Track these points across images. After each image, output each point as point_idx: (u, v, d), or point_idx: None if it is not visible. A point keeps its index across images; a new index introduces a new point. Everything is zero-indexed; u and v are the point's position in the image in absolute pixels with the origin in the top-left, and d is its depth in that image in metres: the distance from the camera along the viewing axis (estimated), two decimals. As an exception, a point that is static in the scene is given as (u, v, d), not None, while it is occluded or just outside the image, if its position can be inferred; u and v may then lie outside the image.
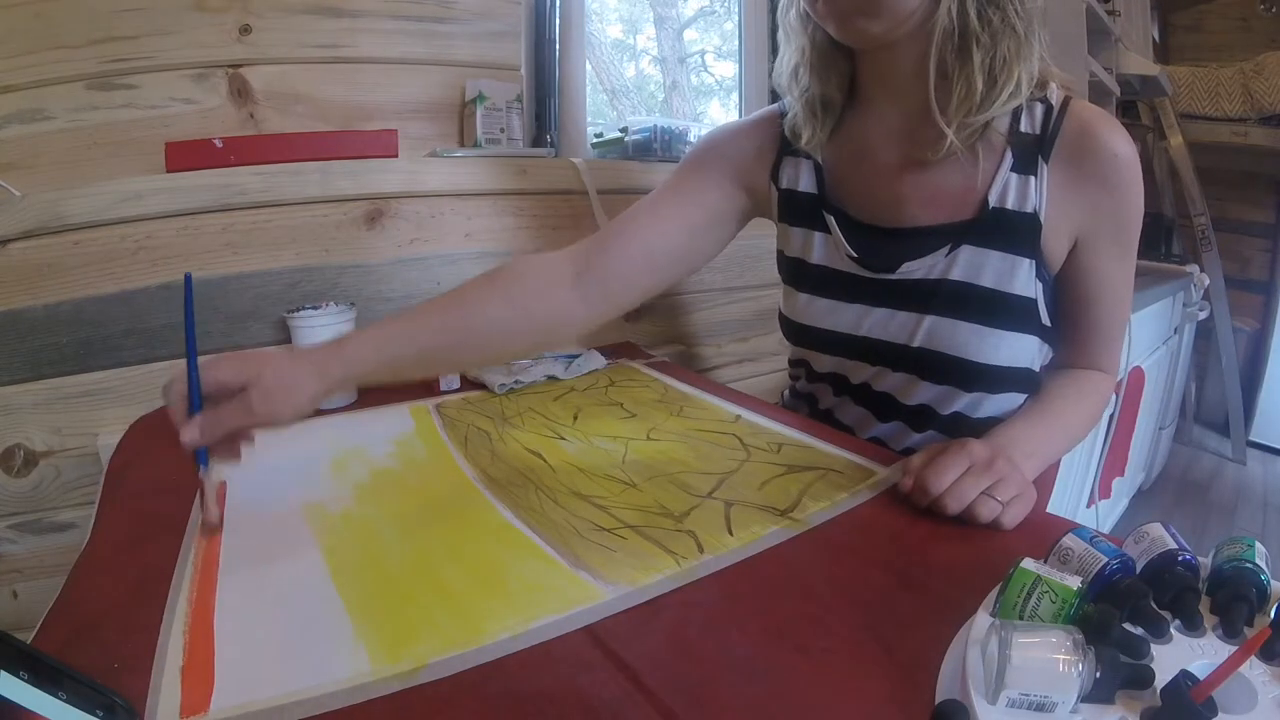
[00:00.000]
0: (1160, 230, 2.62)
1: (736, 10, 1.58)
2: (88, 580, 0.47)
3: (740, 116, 1.58)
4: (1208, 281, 2.41)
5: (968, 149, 0.62)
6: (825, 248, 0.73)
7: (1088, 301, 0.67)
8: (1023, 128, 0.63)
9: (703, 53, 1.82)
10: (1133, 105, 2.57)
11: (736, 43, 1.58)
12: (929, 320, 0.67)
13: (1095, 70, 1.79)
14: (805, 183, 0.74)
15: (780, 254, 0.79)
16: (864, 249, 0.70)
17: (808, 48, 0.68)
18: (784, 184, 0.76)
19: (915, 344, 0.68)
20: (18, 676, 0.27)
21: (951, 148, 0.61)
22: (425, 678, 0.37)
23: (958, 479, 0.52)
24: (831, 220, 0.72)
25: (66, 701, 0.28)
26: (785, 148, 0.75)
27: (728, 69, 1.72)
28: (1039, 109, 0.63)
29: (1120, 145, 0.61)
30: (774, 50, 1.54)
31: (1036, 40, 0.60)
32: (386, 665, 0.38)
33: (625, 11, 1.77)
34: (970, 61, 0.59)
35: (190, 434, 0.49)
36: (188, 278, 0.56)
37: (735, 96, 1.62)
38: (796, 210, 0.75)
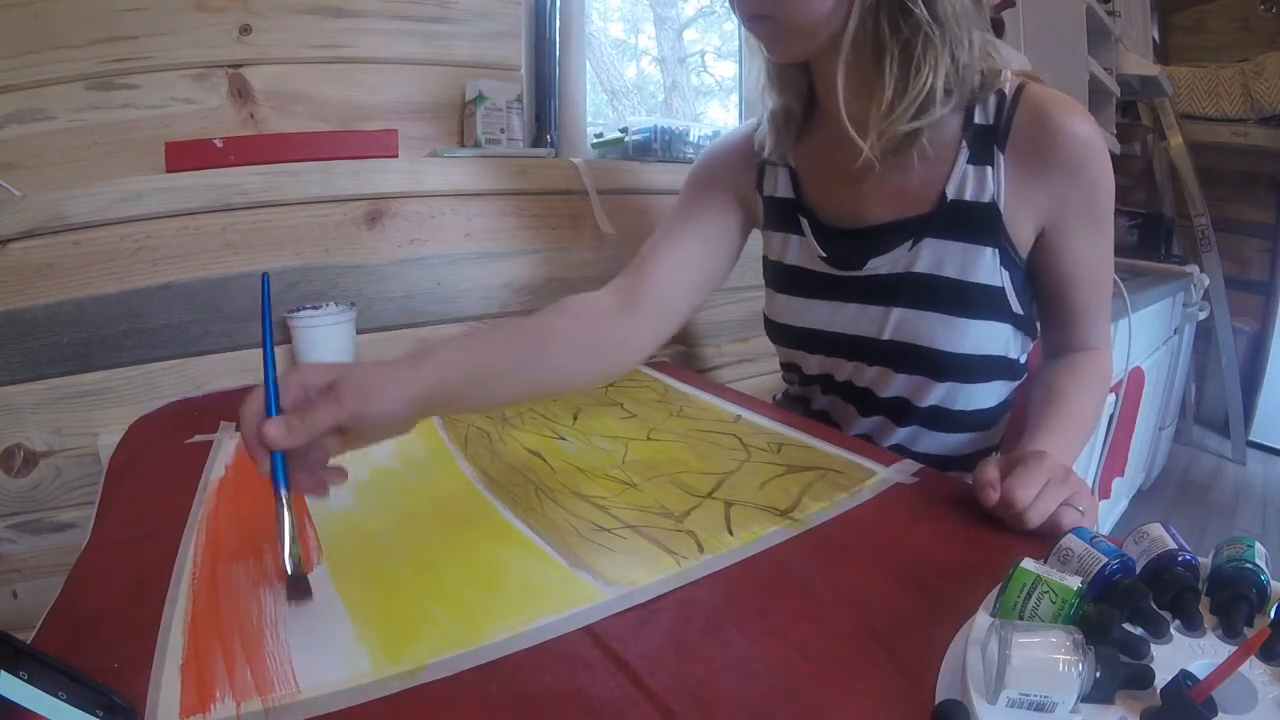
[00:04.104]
0: (1160, 230, 2.62)
1: (736, 10, 1.58)
2: (88, 580, 0.47)
3: (740, 117, 1.59)
4: (1208, 282, 2.41)
5: (886, 154, 0.62)
6: (800, 250, 0.76)
7: (1068, 284, 0.67)
8: (977, 120, 0.63)
9: (703, 53, 1.82)
10: (1133, 105, 2.57)
11: (736, 43, 1.58)
12: (896, 313, 0.68)
13: (1095, 70, 1.79)
14: (782, 188, 0.77)
15: (765, 258, 0.82)
16: (833, 249, 0.72)
17: (767, 65, 0.70)
18: (766, 191, 0.79)
19: (885, 336, 0.69)
20: (18, 676, 0.27)
21: (864, 155, 0.61)
22: (425, 678, 0.37)
23: (1039, 491, 0.50)
24: (805, 223, 0.75)
25: (66, 701, 0.28)
26: (766, 158, 0.78)
27: (728, 69, 1.72)
28: (992, 100, 0.63)
29: (1078, 125, 0.60)
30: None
31: (963, 44, 0.58)
32: (386, 665, 0.37)
33: (625, 11, 1.77)
34: (882, 74, 0.59)
35: (275, 430, 0.41)
36: (265, 279, 0.50)
37: (735, 97, 1.62)
38: (776, 215, 0.78)
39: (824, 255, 0.73)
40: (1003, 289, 0.65)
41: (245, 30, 0.90)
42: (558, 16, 1.15)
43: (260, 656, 0.38)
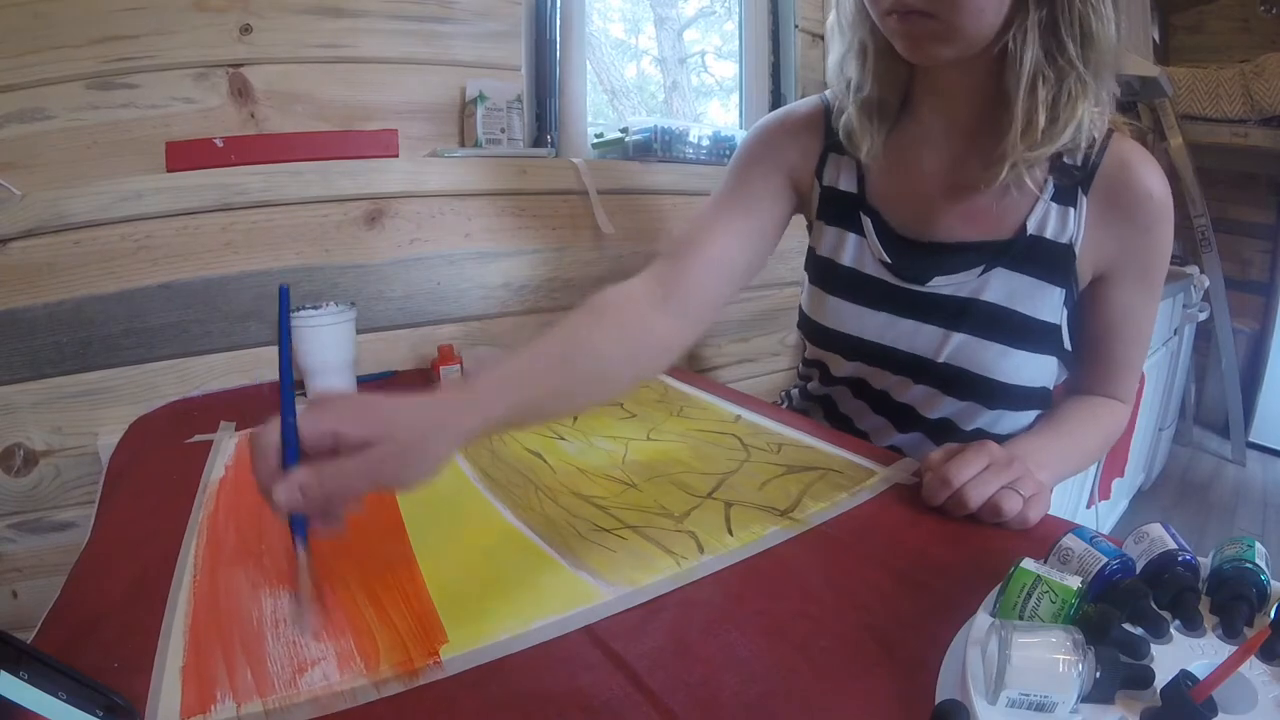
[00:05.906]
0: (1160, 231, 2.61)
1: (736, 10, 1.58)
2: (88, 580, 0.47)
3: (740, 117, 1.59)
4: (1208, 283, 2.41)
5: (1015, 179, 0.61)
6: (857, 250, 0.72)
7: (1108, 333, 0.67)
8: (1065, 159, 0.63)
9: (703, 53, 1.82)
10: (1133, 106, 2.57)
11: (736, 43, 1.58)
12: (958, 337, 0.67)
13: (1095, 71, 1.79)
14: (845, 181, 0.73)
15: (810, 251, 0.78)
16: (897, 256, 0.70)
17: (870, 47, 0.65)
18: (826, 180, 0.74)
19: (941, 359, 0.68)
20: (18, 676, 0.27)
21: (1003, 178, 0.60)
22: (425, 678, 0.37)
23: (979, 473, 0.51)
24: (867, 222, 0.71)
25: (66, 701, 0.28)
26: (830, 144, 0.73)
27: (728, 69, 1.72)
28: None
29: (1155, 185, 0.61)
30: (775, 50, 1.54)
31: (1105, 84, 0.59)
32: (386, 665, 0.37)
33: (625, 11, 1.77)
34: (1035, 95, 0.57)
35: (288, 494, 0.35)
36: (282, 292, 0.40)
37: (735, 97, 1.62)
38: (834, 208, 0.74)
39: (888, 261, 0.70)
40: (1059, 326, 0.66)
41: (245, 30, 0.90)
42: (558, 16, 1.15)
43: (261, 657, 0.38)
